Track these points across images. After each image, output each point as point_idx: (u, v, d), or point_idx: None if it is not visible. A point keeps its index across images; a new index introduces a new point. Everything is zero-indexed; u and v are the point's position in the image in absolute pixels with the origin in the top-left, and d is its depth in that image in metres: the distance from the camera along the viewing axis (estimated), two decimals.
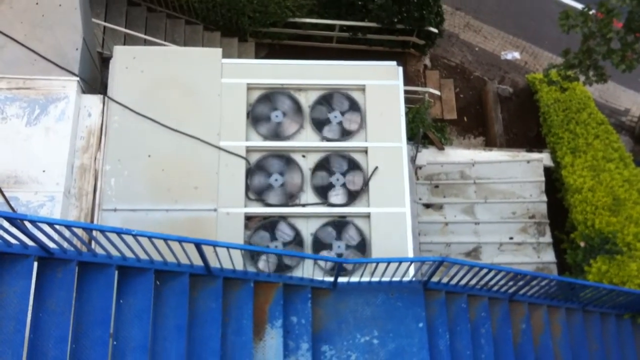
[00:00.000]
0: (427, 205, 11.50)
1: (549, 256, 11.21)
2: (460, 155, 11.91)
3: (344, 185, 9.09)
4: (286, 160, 9.18)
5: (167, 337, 6.75)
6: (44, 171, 8.47)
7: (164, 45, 11.91)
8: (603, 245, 10.19)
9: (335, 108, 9.49)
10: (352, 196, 9.04)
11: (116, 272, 6.58)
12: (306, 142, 9.31)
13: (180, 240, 6.41)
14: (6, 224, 5.49)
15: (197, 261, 6.96)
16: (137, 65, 9.33)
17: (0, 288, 5.80)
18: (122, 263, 6.59)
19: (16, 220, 5.41)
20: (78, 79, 9.05)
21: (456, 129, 13.92)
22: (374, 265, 7.75)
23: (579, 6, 10.04)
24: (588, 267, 10.22)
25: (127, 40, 12.20)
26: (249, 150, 9.14)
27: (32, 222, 5.49)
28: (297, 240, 8.78)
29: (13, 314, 5.74)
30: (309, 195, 9.05)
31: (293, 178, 9.09)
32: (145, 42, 12.01)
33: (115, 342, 6.42)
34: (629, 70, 9.94)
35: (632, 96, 14.60)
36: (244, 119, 9.26)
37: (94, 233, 6.45)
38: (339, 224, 8.93)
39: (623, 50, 9.84)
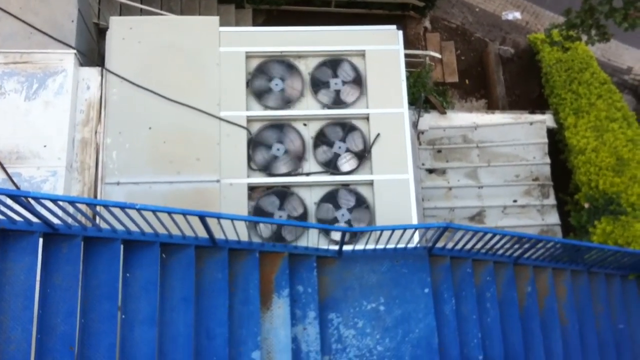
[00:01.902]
0: (430, 171, 11.47)
1: (553, 218, 11.21)
2: (462, 118, 11.83)
3: (346, 152, 9.05)
4: (287, 129, 9.12)
5: (175, 309, 6.78)
6: (45, 146, 8.44)
7: (161, 14, 11.74)
8: (607, 206, 10.18)
9: (335, 75, 9.40)
10: (355, 163, 9.01)
11: (122, 246, 6.58)
12: (307, 110, 9.24)
13: (184, 213, 6.39)
14: (10, 201, 5.47)
15: (202, 233, 6.95)
16: (134, 35, 9.22)
17: (6, 265, 5.81)
18: (127, 237, 6.59)
19: (19, 197, 5.39)
20: (75, 51, 8.96)
21: (458, 92, 13.81)
22: (378, 232, 7.75)
23: None
24: (592, 228, 10.22)
25: (123, 10, 12.03)
26: (249, 120, 9.08)
27: (35, 198, 5.48)
28: (302, 208, 8.77)
29: (21, 291, 5.76)
30: (311, 164, 9.02)
31: (295, 147, 9.04)
32: (142, 12, 11.85)
33: (123, 315, 6.45)
34: (631, 28, 9.78)
35: (635, 54, 14.43)
36: (243, 88, 9.18)
37: (98, 208, 6.43)
38: (343, 192, 8.91)
39: (625, 9, 9.68)
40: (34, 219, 5.90)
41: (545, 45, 12.41)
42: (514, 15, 14.66)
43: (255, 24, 13.40)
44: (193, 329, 6.73)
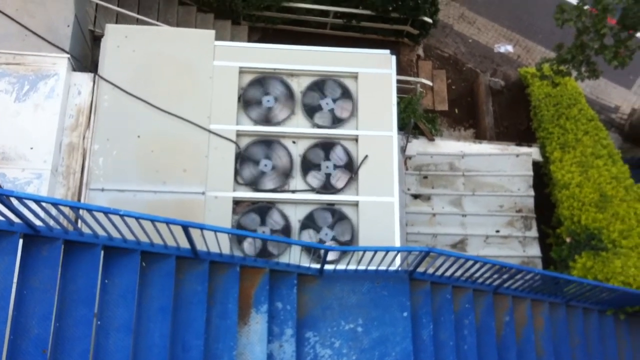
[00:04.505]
0: (416, 196, 11.52)
1: (535, 250, 11.28)
2: (450, 146, 11.93)
3: (333, 172, 9.07)
4: (276, 145, 9.14)
5: (152, 318, 6.73)
6: (31, 148, 8.40)
7: (157, 25, 11.80)
8: (588, 241, 10.25)
9: (327, 95, 9.46)
10: (341, 184, 9.03)
11: (102, 252, 6.54)
12: (297, 128, 9.27)
13: (168, 222, 6.37)
14: None
15: (184, 244, 6.93)
16: (128, 44, 9.25)
17: None
18: (109, 243, 6.55)
19: (2, 196, 5.36)
20: (69, 56, 8.96)
21: (447, 121, 13.94)
22: (360, 253, 7.75)
23: (575, 0, 10.05)
24: (573, 262, 10.29)
25: (119, 19, 12.08)
26: (239, 134, 9.10)
27: (19, 198, 5.44)
28: (285, 226, 8.77)
29: None
30: (298, 182, 9.04)
31: (283, 164, 9.06)
32: (138, 22, 11.90)
33: (99, 322, 6.39)
34: (621, 66, 9.98)
35: (623, 93, 14.67)
36: (235, 102, 9.21)
37: (81, 212, 6.40)
38: (327, 211, 8.92)
39: (616, 47, 9.87)
40: (16, 219, 5.86)
41: (535, 79, 12.58)
42: (506, 48, 14.88)
43: (250, 41, 13.48)
44: (169, 340, 6.68)
